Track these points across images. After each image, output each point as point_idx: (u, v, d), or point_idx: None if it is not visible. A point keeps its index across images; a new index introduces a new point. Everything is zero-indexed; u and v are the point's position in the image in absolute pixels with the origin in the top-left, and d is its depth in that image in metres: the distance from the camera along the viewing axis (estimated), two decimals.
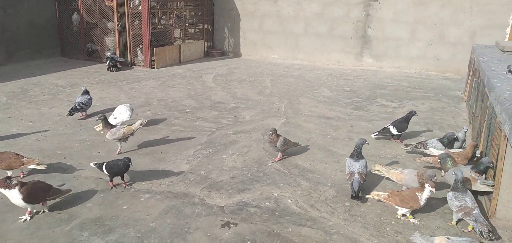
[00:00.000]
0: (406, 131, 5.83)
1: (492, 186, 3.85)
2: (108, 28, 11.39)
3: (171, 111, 7.22)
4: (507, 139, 3.40)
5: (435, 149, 5.04)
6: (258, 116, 7.01)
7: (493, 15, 10.12)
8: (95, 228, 3.63)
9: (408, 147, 5.36)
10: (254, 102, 7.92)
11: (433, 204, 4.09)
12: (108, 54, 10.86)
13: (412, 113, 5.86)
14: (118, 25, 10.87)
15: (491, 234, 3.43)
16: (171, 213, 3.89)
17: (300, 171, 4.86)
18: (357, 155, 4.27)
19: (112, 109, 7.06)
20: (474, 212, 3.54)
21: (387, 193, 3.90)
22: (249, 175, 4.72)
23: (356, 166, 4.18)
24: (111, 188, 4.35)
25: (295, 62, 12.46)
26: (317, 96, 8.44)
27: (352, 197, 4.14)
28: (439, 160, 4.35)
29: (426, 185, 3.69)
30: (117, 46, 11.16)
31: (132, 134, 5.37)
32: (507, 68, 3.65)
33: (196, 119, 6.78)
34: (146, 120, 5.65)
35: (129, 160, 4.36)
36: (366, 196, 4.10)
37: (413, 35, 11.12)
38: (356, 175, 4.14)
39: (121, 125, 5.91)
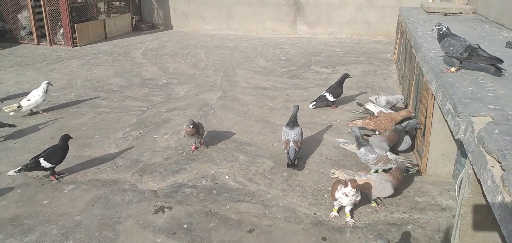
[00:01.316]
0: (341, 96, 5.87)
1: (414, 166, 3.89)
2: (20, 3, 10.27)
3: (96, 91, 6.68)
4: (434, 97, 3.48)
5: (373, 105, 5.14)
6: (193, 91, 6.72)
7: None
8: (11, 229, 3.25)
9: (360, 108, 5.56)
10: (188, 76, 7.59)
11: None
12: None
13: (345, 76, 5.90)
14: (31, 0, 9.82)
15: (415, 166, 3.80)
16: (99, 203, 3.58)
17: (238, 145, 4.71)
18: (292, 123, 4.20)
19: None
20: (390, 157, 3.78)
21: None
22: (184, 154, 4.49)
23: (291, 135, 4.11)
24: (56, 180, 3.95)
25: (230, 33, 12.16)
26: (253, 66, 8.29)
27: (288, 165, 4.08)
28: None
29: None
30: (33, 23, 10.13)
31: None
32: (435, 26, 3.69)
33: (125, 98, 6.34)
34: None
35: (69, 136, 4.04)
36: (302, 163, 4.06)
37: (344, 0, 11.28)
38: (291, 144, 4.07)
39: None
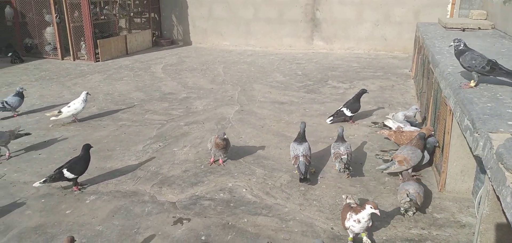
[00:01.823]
0: (359, 111, 5.88)
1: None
2: (46, 20, 10.66)
3: (118, 105, 6.86)
4: (452, 113, 3.47)
5: (392, 121, 5.14)
6: (211, 105, 6.82)
7: None
8: (35, 237, 3.35)
9: (376, 125, 5.59)
10: (206, 91, 7.72)
11: (386, 181, 4.14)
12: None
13: (362, 91, 5.91)
14: (56, 17, 10.18)
15: (349, 168, 4.16)
16: (119, 214, 3.66)
17: (255, 158, 4.76)
18: (300, 139, 4.23)
19: (53, 107, 6.70)
20: (342, 156, 4.17)
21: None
22: (202, 167, 4.56)
23: (300, 149, 4.15)
24: (78, 191, 4.07)
25: (247, 48, 12.31)
26: (270, 81, 8.37)
27: (300, 180, 4.09)
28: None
29: (367, 205, 3.09)
30: (57, 39, 10.48)
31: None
32: (453, 41, 3.70)
33: (145, 112, 6.48)
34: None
35: (90, 146, 4.19)
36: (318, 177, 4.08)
37: (360, 16, 11.30)
38: (301, 158, 4.09)
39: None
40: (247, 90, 7.72)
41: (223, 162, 4.62)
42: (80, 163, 4.07)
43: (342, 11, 11.38)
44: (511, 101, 3.11)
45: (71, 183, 4.09)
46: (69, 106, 5.93)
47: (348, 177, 4.24)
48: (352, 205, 3.22)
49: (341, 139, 4.36)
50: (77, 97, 6.06)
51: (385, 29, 11.18)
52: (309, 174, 4.15)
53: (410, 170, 4.03)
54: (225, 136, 4.38)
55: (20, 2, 10.72)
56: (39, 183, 3.95)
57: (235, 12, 12.34)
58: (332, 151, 4.36)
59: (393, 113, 5.51)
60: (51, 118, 5.86)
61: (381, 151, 4.63)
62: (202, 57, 11.14)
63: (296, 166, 4.14)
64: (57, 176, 3.97)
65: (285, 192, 4.00)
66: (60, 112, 5.87)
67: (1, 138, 4.78)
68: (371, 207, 3.02)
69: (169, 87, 7.98)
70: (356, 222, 3.08)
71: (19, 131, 5.08)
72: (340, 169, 4.21)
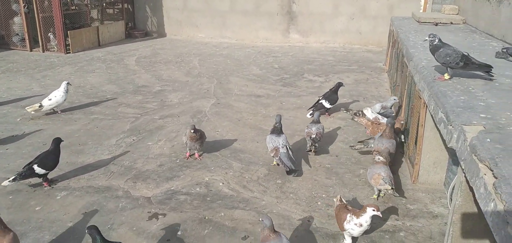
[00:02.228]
0: (336, 103, 5.92)
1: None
2: (13, 10, 10.22)
3: (90, 98, 6.66)
4: (426, 106, 3.53)
5: (370, 111, 5.19)
6: (187, 98, 6.72)
7: None
8: None
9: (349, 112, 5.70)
10: (181, 83, 7.60)
11: (361, 173, 4.19)
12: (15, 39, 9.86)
13: (339, 84, 5.96)
14: (24, 7, 9.78)
15: (315, 145, 4.38)
16: (92, 210, 3.56)
17: (232, 152, 4.71)
18: (278, 131, 4.22)
19: (21, 99, 6.47)
20: (312, 136, 4.39)
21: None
22: (178, 161, 4.48)
23: (280, 141, 4.14)
24: (48, 187, 3.93)
25: (223, 41, 12.20)
26: (246, 74, 8.32)
27: (288, 172, 4.08)
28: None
29: (368, 208, 3.00)
30: (26, 30, 10.08)
31: None
32: (428, 37, 3.76)
33: (118, 105, 6.32)
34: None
35: (60, 140, 4.06)
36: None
37: (336, 9, 11.38)
38: (282, 150, 4.09)
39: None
40: (223, 83, 7.65)
41: (200, 156, 4.56)
42: (50, 158, 3.92)
43: (318, 4, 11.42)
44: (482, 94, 3.18)
45: (41, 179, 3.94)
46: (49, 99, 5.72)
47: (314, 153, 4.55)
48: (348, 207, 3.10)
49: (316, 122, 4.57)
50: (53, 89, 5.87)
51: (360, 23, 11.30)
52: (295, 164, 4.14)
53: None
54: (195, 127, 4.32)
55: None
56: (8, 181, 3.77)
57: (211, 4, 12.20)
58: (305, 130, 4.59)
59: (370, 108, 5.58)
60: (32, 112, 5.64)
61: (358, 142, 4.68)
62: (177, 49, 10.96)
63: (276, 158, 4.12)
64: (28, 172, 3.81)
65: (262, 186, 3.98)
66: (41, 105, 5.64)
67: None
68: (374, 210, 2.93)
69: (143, 80, 7.81)
70: (357, 225, 2.96)
71: None
72: (308, 147, 4.46)
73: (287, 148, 4.12)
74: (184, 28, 12.65)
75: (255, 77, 8.07)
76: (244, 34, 12.18)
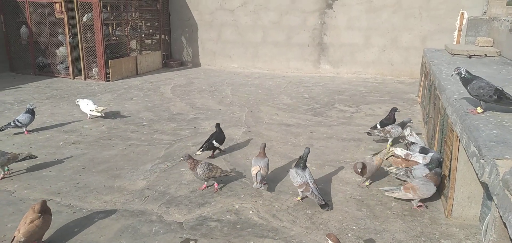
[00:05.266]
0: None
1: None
2: (59, 40, 10.90)
3: (127, 124, 6.95)
4: (459, 139, 3.49)
5: (399, 151, 5.15)
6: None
7: (441, 20, 10.59)
8: None
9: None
10: (214, 112, 7.80)
11: (393, 206, 4.14)
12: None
13: (394, 110, 6.21)
14: (69, 37, 10.42)
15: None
16: (127, 233, 3.69)
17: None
18: (303, 165, 4.22)
19: (64, 124, 6.83)
20: (311, 187, 4.10)
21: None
22: (209, 188, 4.59)
23: (307, 176, 4.15)
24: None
25: (255, 71, 12.45)
26: (277, 104, 8.45)
27: (322, 206, 4.06)
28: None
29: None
30: (70, 59, 10.70)
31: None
32: (454, 71, 3.77)
33: (154, 132, 6.57)
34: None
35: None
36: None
37: (368, 41, 11.42)
38: (311, 185, 4.10)
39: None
40: (254, 111, 7.79)
41: (219, 188, 4.56)
42: (220, 136, 5.52)
43: (350, 36, 11.51)
44: None
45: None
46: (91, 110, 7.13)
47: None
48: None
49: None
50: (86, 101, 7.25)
51: (392, 54, 11.27)
52: (326, 199, 4.14)
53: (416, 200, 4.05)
54: (185, 155, 4.44)
55: (35, 23, 10.98)
56: (198, 151, 5.33)
57: (244, 36, 12.53)
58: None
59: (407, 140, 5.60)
60: (96, 114, 7.08)
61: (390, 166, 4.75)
62: (211, 78, 11.28)
63: (308, 193, 4.09)
64: (210, 145, 5.43)
65: (292, 215, 4.01)
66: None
67: (1, 157, 4.75)
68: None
69: (177, 108, 8.08)
70: None
71: (26, 155, 5.05)
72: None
73: (315, 184, 4.14)
74: (218, 59, 13.02)
75: (285, 107, 8.18)
76: (275, 64, 12.39)
